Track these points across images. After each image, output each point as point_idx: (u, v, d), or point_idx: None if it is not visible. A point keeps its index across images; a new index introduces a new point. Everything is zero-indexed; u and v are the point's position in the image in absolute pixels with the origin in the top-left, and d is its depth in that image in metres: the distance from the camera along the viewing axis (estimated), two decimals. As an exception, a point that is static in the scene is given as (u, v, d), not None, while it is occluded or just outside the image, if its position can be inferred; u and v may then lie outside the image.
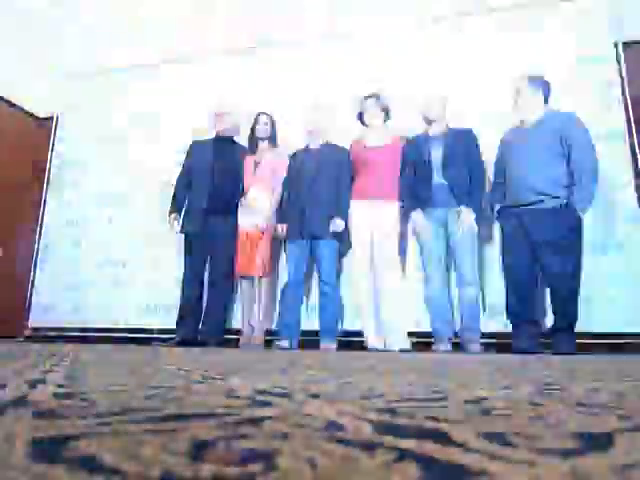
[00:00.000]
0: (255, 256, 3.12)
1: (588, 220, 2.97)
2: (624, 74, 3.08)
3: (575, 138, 2.54)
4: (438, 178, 2.85)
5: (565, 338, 2.52)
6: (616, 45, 3.15)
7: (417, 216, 2.90)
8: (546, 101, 2.74)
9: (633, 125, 3.02)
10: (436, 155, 2.88)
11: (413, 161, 2.95)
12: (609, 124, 3.05)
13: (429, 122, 2.99)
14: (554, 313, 2.57)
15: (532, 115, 2.70)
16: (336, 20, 4.09)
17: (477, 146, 2.91)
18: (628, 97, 3.05)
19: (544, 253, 2.56)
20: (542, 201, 2.56)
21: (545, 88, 2.73)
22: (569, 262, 2.52)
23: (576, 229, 2.55)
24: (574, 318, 2.54)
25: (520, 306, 2.65)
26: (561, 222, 2.52)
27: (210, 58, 4.15)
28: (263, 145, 3.35)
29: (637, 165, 2.97)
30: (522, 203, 2.63)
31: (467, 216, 2.76)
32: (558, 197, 2.54)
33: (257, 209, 3.18)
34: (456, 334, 2.83)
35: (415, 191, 2.92)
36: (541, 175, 2.57)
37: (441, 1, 3.79)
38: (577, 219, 2.54)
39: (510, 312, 2.70)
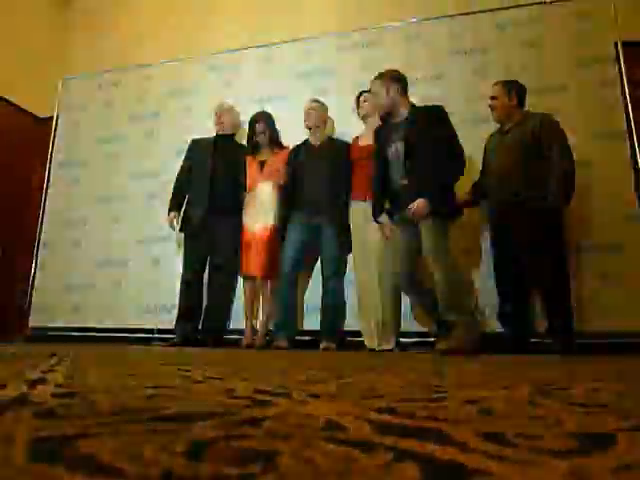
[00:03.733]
0: (260, 256, 3.11)
1: (588, 220, 2.98)
2: (624, 74, 3.08)
3: (550, 138, 2.58)
4: (400, 178, 2.62)
5: (559, 338, 2.53)
6: (616, 45, 3.15)
7: (383, 222, 2.73)
8: (522, 104, 2.78)
9: (633, 125, 3.01)
10: (397, 150, 2.62)
11: (379, 159, 2.74)
12: (609, 124, 3.05)
13: (385, 113, 2.72)
14: (547, 314, 2.59)
15: (509, 118, 2.75)
16: (335, 18, 4.09)
17: (447, 124, 2.59)
18: (628, 97, 3.05)
19: (526, 253, 2.60)
20: (522, 202, 2.58)
21: (519, 91, 2.77)
22: (550, 261, 2.54)
23: (555, 228, 2.57)
24: (567, 317, 2.53)
25: (511, 308, 2.68)
26: (540, 221, 2.54)
27: (210, 58, 4.15)
28: (265, 145, 3.35)
29: (637, 165, 2.97)
30: (502, 204, 2.67)
31: (419, 208, 2.48)
32: (537, 197, 2.55)
33: (265, 209, 3.18)
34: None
35: (381, 193, 2.74)
36: (518, 177, 2.61)
37: (440, 0, 3.79)
38: (556, 218, 2.57)
39: (500, 314, 2.73)
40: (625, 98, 3.06)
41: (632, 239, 2.87)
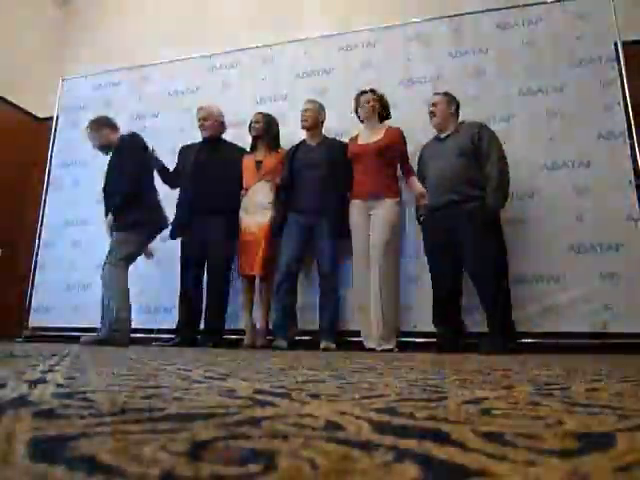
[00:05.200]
0: (258, 256, 3.11)
1: (588, 220, 2.98)
2: (624, 74, 3.08)
3: (485, 144, 2.75)
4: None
5: (491, 338, 2.59)
6: (616, 45, 3.15)
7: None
8: (457, 114, 2.98)
9: (633, 125, 3.01)
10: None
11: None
12: (609, 124, 3.05)
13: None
14: (487, 314, 2.66)
15: (446, 126, 2.93)
16: (335, 19, 4.09)
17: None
18: (628, 97, 3.05)
19: (464, 254, 2.70)
20: (459, 202, 2.71)
21: (457, 103, 2.98)
22: (493, 262, 2.63)
23: (493, 229, 2.70)
24: (503, 318, 2.61)
25: (444, 308, 2.77)
26: (480, 222, 2.66)
27: (210, 58, 4.15)
28: (262, 144, 3.34)
29: (637, 165, 2.97)
30: (441, 206, 2.77)
31: None
32: (474, 198, 2.69)
33: (262, 209, 3.18)
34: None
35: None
36: (458, 179, 2.74)
37: (440, 0, 3.79)
38: (495, 218, 2.70)
39: (435, 314, 2.81)
40: (625, 98, 3.05)
41: (632, 239, 2.87)
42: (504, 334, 2.58)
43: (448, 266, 2.77)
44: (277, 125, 3.38)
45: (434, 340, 2.84)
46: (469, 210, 2.68)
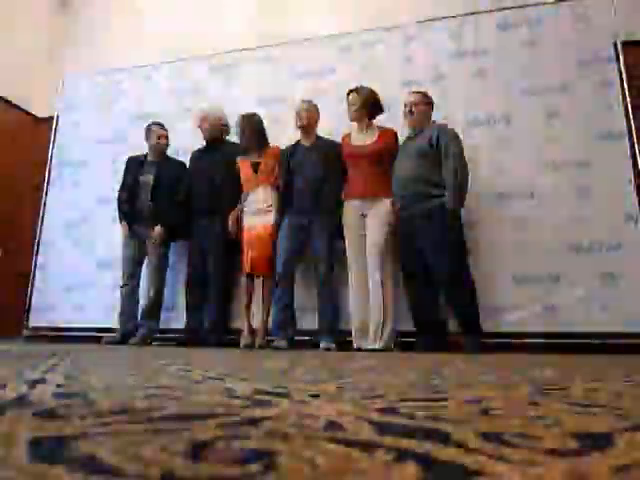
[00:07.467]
0: (260, 256, 3.11)
1: (588, 220, 2.98)
2: (624, 74, 3.08)
3: (446, 145, 2.74)
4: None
5: (468, 339, 2.62)
6: (616, 45, 3.15)
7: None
8: (430, 115, 2.98)
9: (633, 125, 3.01)
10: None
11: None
12: (609, 124, 3.05)
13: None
14: (454, 313, 2.71)
15: (421, 125, 2.92)
16: (335, 19, 4.09)
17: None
18: (628, 97, 3.05)
19: (428, 253, 2.71)
20: (417, 202, 2.74)
21: (432, 104, 2.98)
22: (452, 261, 2.65)
23: (455, 228, 2.71)
24: (472, 317, 2.64)
25: (422, 308, 2.77)
26: (440, 222, 2.67)
27: (210, 58, 4.15)
28: (251, 145, 3.33)
29: (637, 165, 2.97)
30: (403, 205, 2.81)
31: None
32: (435, 197, 2.71)
33: (264, 209, 3.18)
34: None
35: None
36: (417, 179, 2.76)
37: (440, 1, 3.79)
38: (455, 218, 2.71)
39: (414, 315, 2.81)
40: (625, 98, 3.05)
41: (632, 239, 2.87)
42: (475, 333, 2.62)
43: (418, 267, 2.76)
44: (260, 121, 3.34)
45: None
46: (427, 210, 2.71)
